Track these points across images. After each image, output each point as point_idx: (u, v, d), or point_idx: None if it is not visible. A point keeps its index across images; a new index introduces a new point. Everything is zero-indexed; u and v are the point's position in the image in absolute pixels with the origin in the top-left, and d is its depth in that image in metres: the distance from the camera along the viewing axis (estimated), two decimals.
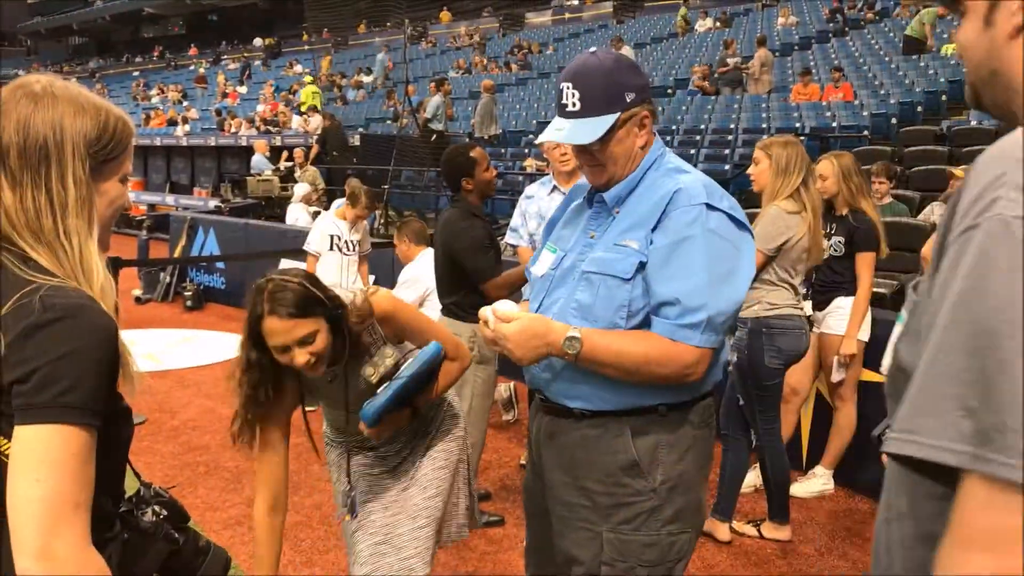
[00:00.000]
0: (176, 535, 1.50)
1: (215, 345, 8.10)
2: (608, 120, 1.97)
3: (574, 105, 1.98)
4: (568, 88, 1.99)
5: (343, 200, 6.29)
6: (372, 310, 2.42)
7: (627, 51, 17.10)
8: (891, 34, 17.63)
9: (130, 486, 1.52)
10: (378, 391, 2.39)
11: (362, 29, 34.70)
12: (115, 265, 5.82)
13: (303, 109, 20.36)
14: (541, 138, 2.11)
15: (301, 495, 4.55)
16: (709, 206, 1.91)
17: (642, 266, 1.93)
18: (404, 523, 2.58)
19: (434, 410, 2.71)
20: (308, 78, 23.99)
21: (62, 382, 1.21)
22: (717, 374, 2.04)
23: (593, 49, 2.05)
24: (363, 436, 2.51)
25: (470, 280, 3.90)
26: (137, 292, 10.32)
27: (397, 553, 2.55)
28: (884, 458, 1.63)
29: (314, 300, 2.26)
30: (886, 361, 1.16)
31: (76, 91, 1.39)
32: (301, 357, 2.25)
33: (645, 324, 1.94)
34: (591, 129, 1.97)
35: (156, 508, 1.48)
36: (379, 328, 2.46)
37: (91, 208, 1.35)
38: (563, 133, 1.99)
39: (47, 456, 1.19)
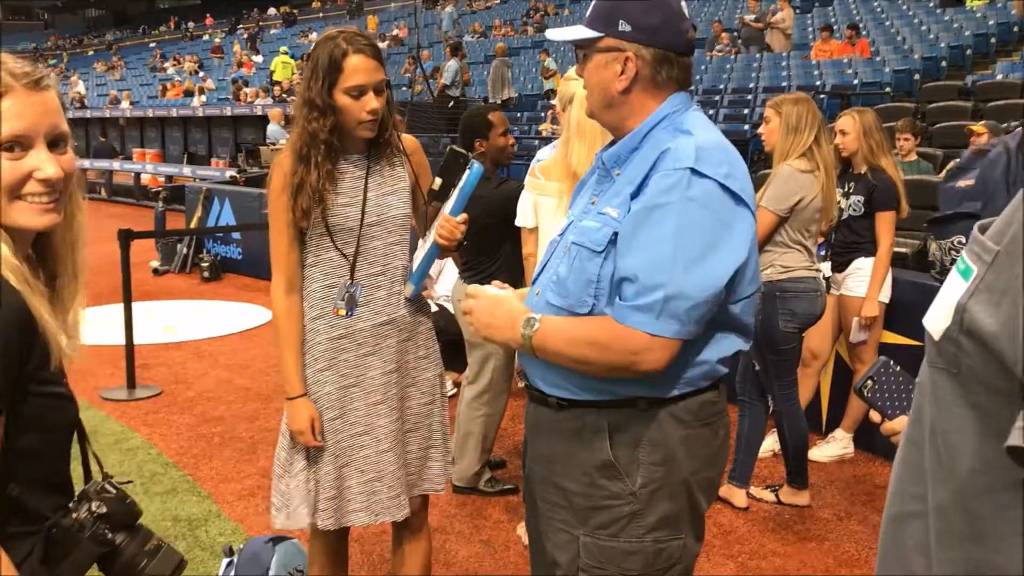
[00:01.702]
0: (109, 536, 1.39)
1: (232, 316, 8.10)
2: (587, 33, 1.81)
3: (587, 12, 1.88)
4: None
5: None
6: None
7: None
8: None
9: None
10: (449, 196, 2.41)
11: None
12: (126, 237, 5.79)
13: (275, 79, 20.29)
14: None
15: None
16: (695, 171, 1.67)
17: (617, 237, 1.73)
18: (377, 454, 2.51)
19: (423, 324, 2.61)
20: (282, 48, 23.86)
21: None
22: (718, 368, 1.83)
23: None
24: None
25: (507, 243, 3.82)
26: (155, 264, 10.34)
27: (389, 491, 2.50)
28: (874, 415, 1.50)
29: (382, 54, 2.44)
30: (938, 324, 0.96)
31: None
32: (376, 102, 2.35)
33: None
34: (570, 33, 1.85)
35: (94, 506, 1.38)
36: (404, 163, 2.55)
37: None
38: (558, 31, 1.92)
39: None
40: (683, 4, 1.84)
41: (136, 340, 6.25)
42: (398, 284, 2.51)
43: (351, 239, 2.46)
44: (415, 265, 2.53)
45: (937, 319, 0.96)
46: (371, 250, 2.47)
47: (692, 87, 13.26)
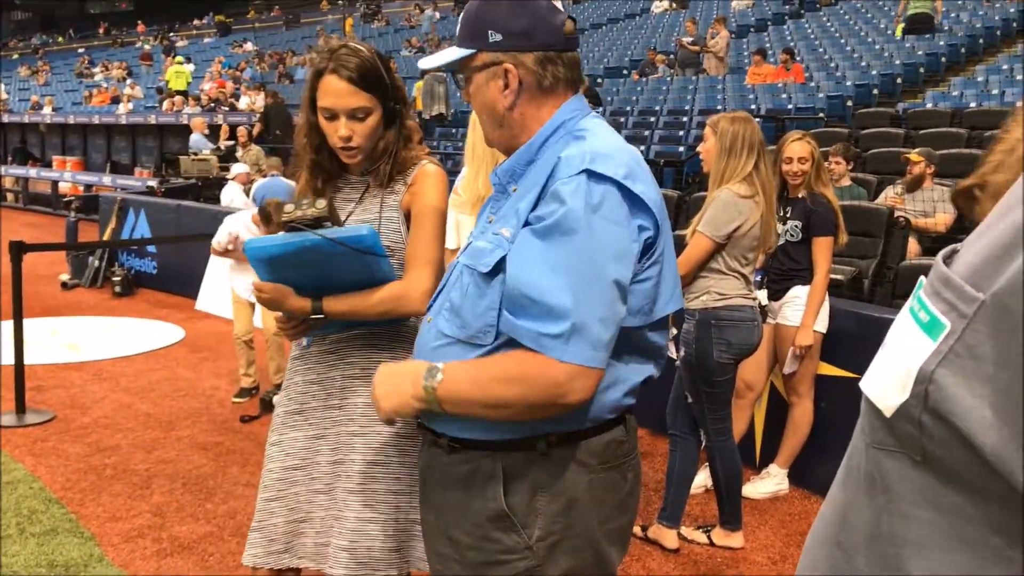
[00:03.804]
0: None
1: (141, 334, 7.64)
2: (456, 53, 1.65)
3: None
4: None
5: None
6: (419, 158, 2.23)
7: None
8: (846, 16, 17.50)
9: None
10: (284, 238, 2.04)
11: (325, 6, 33.96)
12: (17, 250, 5.35)
13: (172, 89, 19.79)
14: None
15: (215, 502, 4.17)
16: (591, 173, 1.49)
17: (507, 258, 1.55)
18: (318, 510, 2.23)
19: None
20: (180, 58, 23.39)
21: None
22: (625, 400, 1.64)
23: None
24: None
25: None
26: (64, 277, 9.79)
27: (317, 536, 2.24)
28: None
29: (378, 77, 2.13)
30: (888, 396, 0.63)
31: None
32: (345, 130, 2.11)
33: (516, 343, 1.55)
34: (442, 57, 1.70)
35: None
36: (403, 191, 2.23)
37: None
38: (431, 58, 1.73)
39: None
40: None
41: (34, 359, 5.82)
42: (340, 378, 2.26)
43: None
44: None
45: (885, 388, 0.66)
46: None
47: (628, 108, 13.15)
